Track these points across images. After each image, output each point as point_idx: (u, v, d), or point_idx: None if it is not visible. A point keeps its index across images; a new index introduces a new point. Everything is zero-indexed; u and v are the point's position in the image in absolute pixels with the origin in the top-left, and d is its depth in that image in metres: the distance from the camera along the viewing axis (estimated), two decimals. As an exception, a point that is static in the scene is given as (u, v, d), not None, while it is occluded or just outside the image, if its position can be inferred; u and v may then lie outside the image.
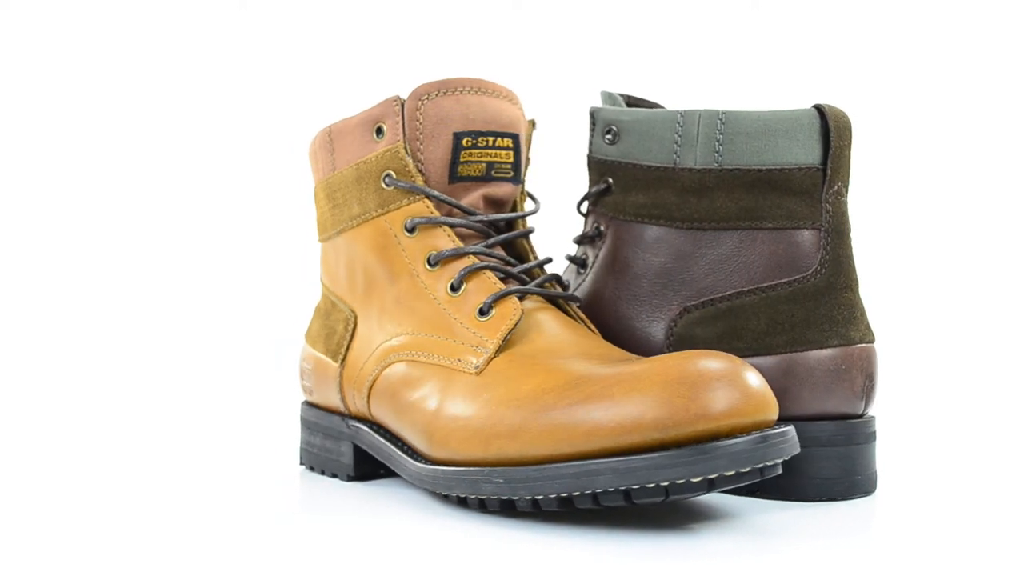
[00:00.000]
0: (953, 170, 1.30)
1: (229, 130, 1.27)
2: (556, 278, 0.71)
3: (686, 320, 0.70)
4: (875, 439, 0.71)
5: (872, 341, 0.70)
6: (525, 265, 0.69)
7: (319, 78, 1.25)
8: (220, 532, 0.61)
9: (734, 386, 0.57)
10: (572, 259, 0.78)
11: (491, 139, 0.69)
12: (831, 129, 0.69)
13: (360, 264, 0.71)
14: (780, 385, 0.68)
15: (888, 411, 0.85)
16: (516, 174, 0.71)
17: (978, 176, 1.30)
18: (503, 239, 0.69)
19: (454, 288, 0.67)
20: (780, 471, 0.59)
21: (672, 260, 0.71)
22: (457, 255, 0.67)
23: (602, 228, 0.74)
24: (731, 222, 0.69)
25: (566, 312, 0.69)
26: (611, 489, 0.56)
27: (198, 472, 0.76)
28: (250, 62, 1.28)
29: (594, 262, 0.75)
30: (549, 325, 0.67)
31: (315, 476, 0.75)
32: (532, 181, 0.76)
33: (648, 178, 0.71)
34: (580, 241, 0.77)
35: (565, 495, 0.58)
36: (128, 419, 0.97)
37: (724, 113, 0.69)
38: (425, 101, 0.68)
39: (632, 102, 0.77)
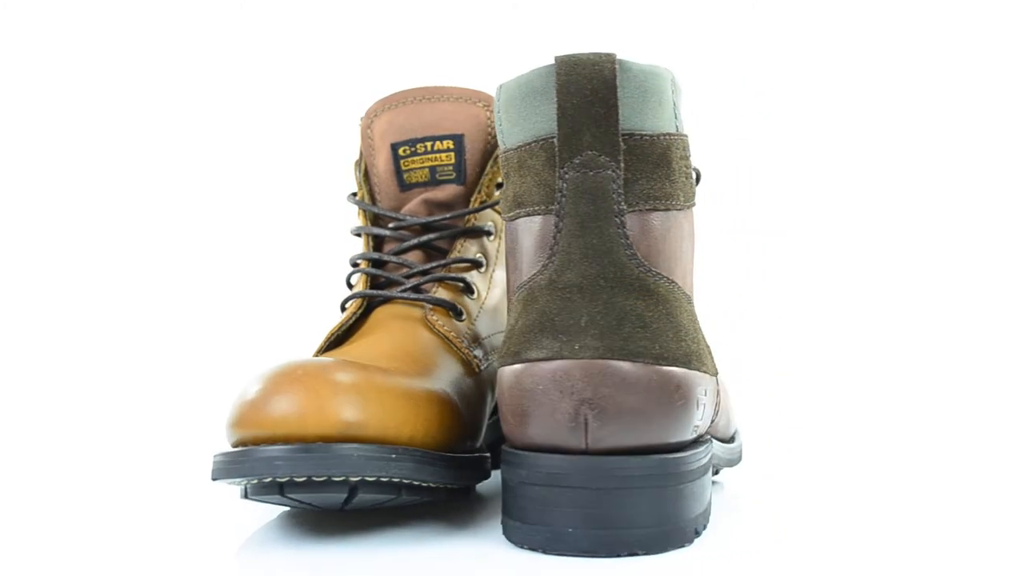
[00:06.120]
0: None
1: (242, 135, 1.23)
2: (452, 280, 0.70)
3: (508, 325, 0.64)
4: (667, 483, 0.55)
5: (612, 357, 0.53)
6: (417, 269, 0.70)
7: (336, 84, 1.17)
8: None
9: (259, 398, 0.57)
10: None
11: (429, 144, 0.72)
12: (557, 86, 0.56)
13: None
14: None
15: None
16: (459, 175, 0.72)
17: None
18: (416, 243, 0.71)
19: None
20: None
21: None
22: (361, 259, 0.72)
23: None
24: (510, 212, 0.61)
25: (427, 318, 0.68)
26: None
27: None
28: (269, 67, 1.24)
29: None
30: (386, 331, 0.67)
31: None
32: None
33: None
34: None
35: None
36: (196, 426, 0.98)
37: (502, 85, 0.62)
38: (373, 119, 0.74)
39: None
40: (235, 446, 0.57)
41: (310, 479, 0.54)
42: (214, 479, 0.57)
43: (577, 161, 0.55)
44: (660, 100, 0.56)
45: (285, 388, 0.55)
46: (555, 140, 0.55)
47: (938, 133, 1.24)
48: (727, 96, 1.23)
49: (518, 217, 0.58)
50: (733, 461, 0.74)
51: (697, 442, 0.58)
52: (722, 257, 1.18)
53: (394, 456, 0.56)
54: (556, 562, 0.53)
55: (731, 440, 0.74)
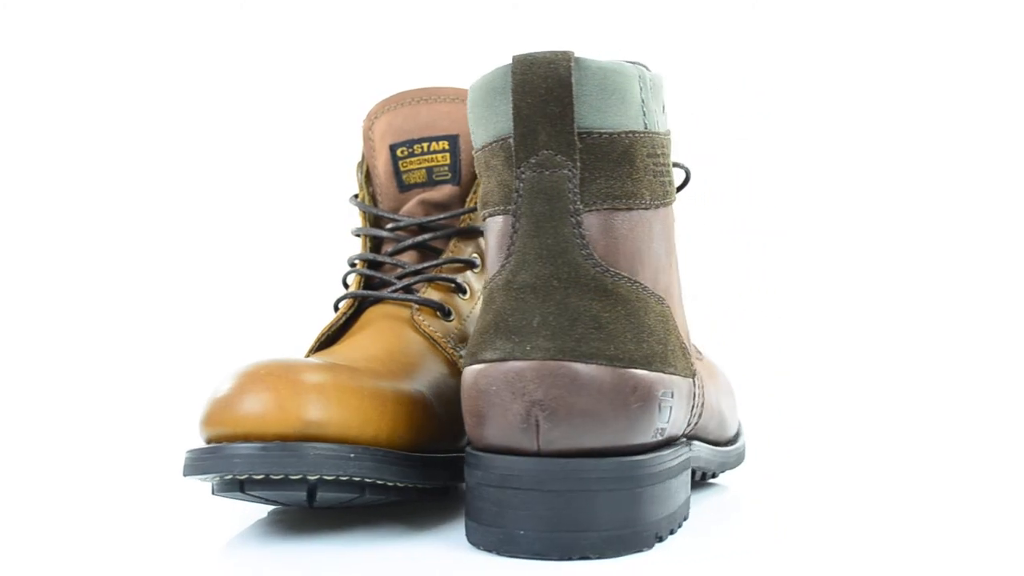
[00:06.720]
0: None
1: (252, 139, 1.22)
2: (443, 280, 0.70)
3: None
4: (630, 485, 0.54)
5: (564, 358, 0.53)
6: (409, 269, 0.70)
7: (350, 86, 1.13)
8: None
9: (228, 397, 0.58)
10: None
11: (425, 145, 0.73)
12: (513, 86, 0.56)
13: None
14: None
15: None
16: (454, 175, 0.72)
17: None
18: (411, 243, 0.71)
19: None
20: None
21: None
22: (358, 259, 0.73)
23: None
24: (481, 212, 0.61)
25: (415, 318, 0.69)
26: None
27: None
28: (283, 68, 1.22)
29: None
30: (373, 331, 0.68)
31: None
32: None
33: None
34: None
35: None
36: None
37: (471, 86, 0.62)
38: (374, 121, 0.75)
39: None
40: (206, 443, 0.58)
41: (268, 477, 0.55)
42: (184, 475, 0.58)
43: (533, 161, 0.55)
44: (623, 97, 0.56)
45: (249, 387, 0.56)
46: (511, 140, 0.55)
47: (937, 130, 1.23)
48: (728, 96, 1.21)
49: (486, 217, 0.58)
50: (729, 464, 0.72)
51: (665, 445, 0.57)
52: (723, 256, 1.17)
53: (353, 455, 0.56)
54: (505, 564, 0.53)
55: (731, 442, 0.73)
